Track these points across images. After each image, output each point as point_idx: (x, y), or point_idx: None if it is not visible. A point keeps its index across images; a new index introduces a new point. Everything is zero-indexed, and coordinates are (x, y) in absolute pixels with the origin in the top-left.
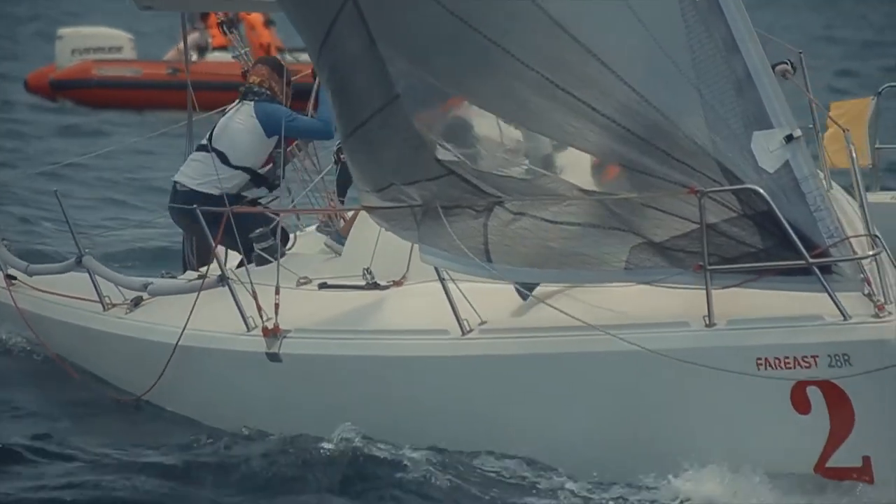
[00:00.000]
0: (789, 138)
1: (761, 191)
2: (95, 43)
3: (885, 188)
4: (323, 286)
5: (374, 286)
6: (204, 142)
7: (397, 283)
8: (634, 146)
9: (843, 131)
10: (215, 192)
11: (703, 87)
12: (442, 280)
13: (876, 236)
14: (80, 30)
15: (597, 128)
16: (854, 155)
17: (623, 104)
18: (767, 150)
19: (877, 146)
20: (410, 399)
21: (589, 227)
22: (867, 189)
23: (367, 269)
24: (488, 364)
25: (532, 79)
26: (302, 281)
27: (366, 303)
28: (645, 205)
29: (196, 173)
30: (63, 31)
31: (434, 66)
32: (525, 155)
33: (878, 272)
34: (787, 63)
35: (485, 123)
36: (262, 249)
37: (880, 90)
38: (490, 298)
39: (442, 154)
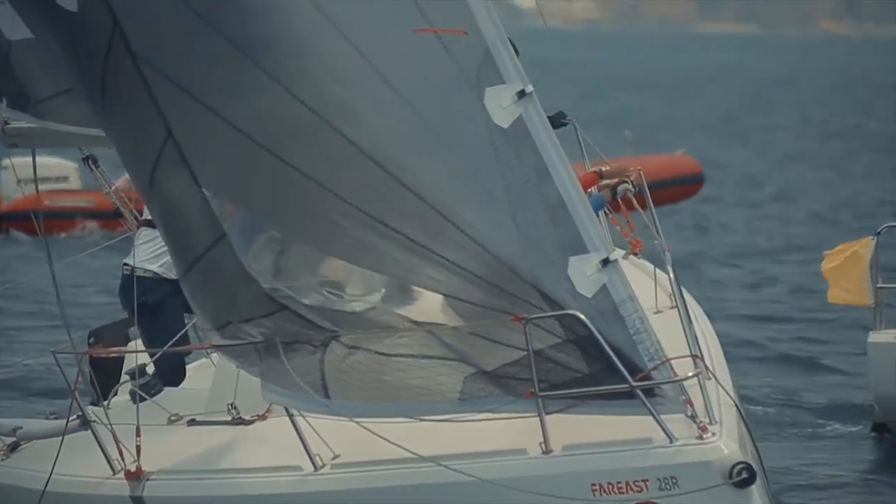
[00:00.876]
0: (605, 262)
1: (581, 316)
2: (42, 173)
3: (892, 324)
4: (192, 422)
5: (240, 421)
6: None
7: (262, 417)
8: (455, 274)
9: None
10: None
11: (518, 215)
12: (291, 416)
13: (697, 356)
14: (27, 159)
15: (415, 258)
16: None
17: (439, 233)
18: (584, 274)
19: (879, 285)
20: None
21: (422, 359)
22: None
23: (230, 404)
24: (337, 500)
25: (347, 211)
26: (173, 418)
27: (230, 439)
28: (473, 334)
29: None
30: (7, 160)
31: (255, 204)
32: (352, 288)
33: (702, 393)
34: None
35: (310, 258)
36: (140, 387)
37: (879, 230)
38: (345, 430)
39: (273, 290)
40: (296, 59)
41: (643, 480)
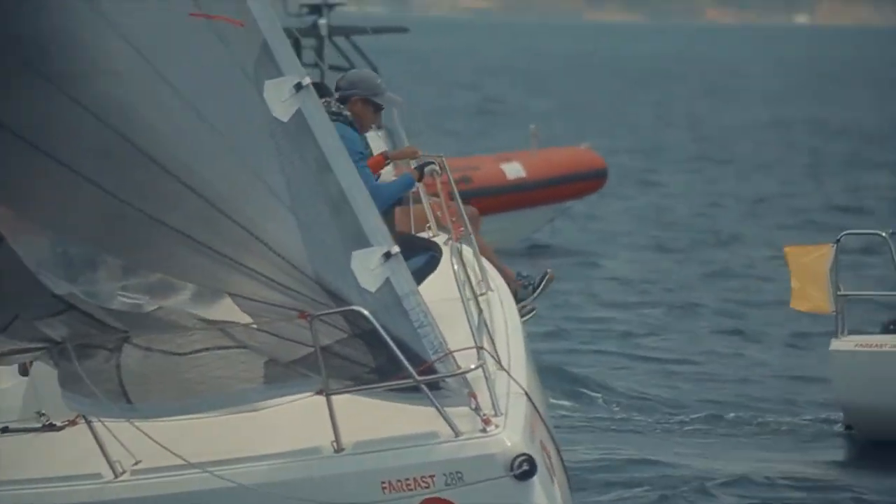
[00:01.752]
0: (387, 255)
1: (364, 311)
2: None
3: (854, 331)
4: (4, 430)
5: (51, 427)
6: None
7: (72, 423)
8: (239, 273)
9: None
10: None
11: (299, 210)
12: (89, 423)
13: (482, 348)
14: None
15: (198, 257)
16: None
17: (222, 232)
18: (368, 268)
19: (839, 293)
20: None
21: (218, 350)
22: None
23: (39, 412)
24: None
25: (126, 210)
26: None
27: (40, 447)
28: (263, 331)
29: None
30: None
31: (35, 207)
32: (138, 288)
33: (488, 385)
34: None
35: (94, 258)
36: None
37: (839, 238)
38: (153, 434)
39: (58, 289)
40: (69, 58)
41: (430, 476)
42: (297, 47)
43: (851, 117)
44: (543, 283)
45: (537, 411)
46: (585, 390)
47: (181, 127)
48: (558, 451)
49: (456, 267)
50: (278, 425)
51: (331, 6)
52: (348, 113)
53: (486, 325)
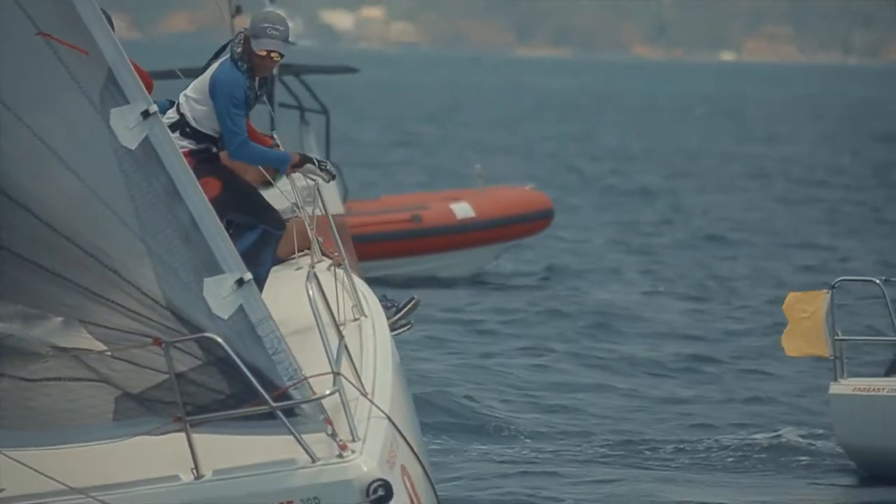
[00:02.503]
0: (240, 282)
1: (217, 338)
2: None
3: (855, 375)
4: None
5: None
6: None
7: None
8: (90, 300)
9: None
10: None
11: (149, 238)
12: None
13: (338, 374)
14: None
15: (49, 285)
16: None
17: (72, 259)
18: (220, 296)
19: (837, 337)
20: None
21: (69, 382)
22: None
23: None
24: None
25: None
26: None
27: None
28: (117, 359)
29: None
30: None
31: None
32: None
33: (345, 410)
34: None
35: None
36: None
37: (833, 284)
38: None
39: None
40: None
41: (288, 502)
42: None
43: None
44: (406, 307)
45: (402, 435)
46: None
47: (26, 155)
48: (427, 476)
49: (311, 293)
50: (140, 451)
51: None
52: (239, 49)
53: (348, 351)
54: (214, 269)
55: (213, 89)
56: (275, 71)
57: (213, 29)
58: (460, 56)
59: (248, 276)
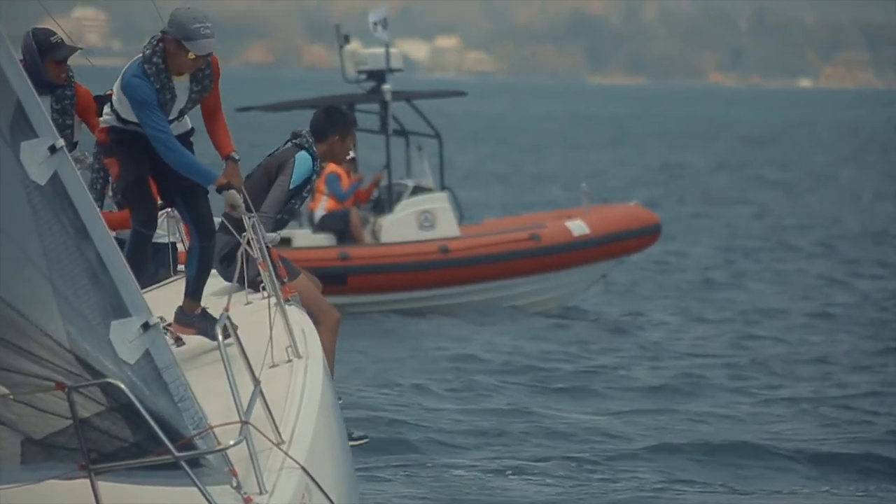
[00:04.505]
0: (146, 326)
1: (120, 384)
2: None
3: None
4: None
5: None
6: None
7: None
8: None
9: None
10: None
11: (56, 277)
12: None
13: (246, 423)
14: None
15: None
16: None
17: None
18: (126, 340)
19: None
20: None
21: None
22: None
23: None
24: None
25: None
26: None
27: None
28: (18, 401)
29: None
30: None
31: None
32: None
33: (252, 461)
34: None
35: None
36: None
37: None
38: None
39: None
40: None
41: None
42: (352, 110)
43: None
44: (357, 441)
45: (318, 486)
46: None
47: None
48: None
49: (220, 337)
50: (46, 499)
51: (392, 71)
52: (148, 51)
53: (264, 398)
54: (121, 311)
55: (123, 90)
56: (388, 98)
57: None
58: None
59: (154, 319)
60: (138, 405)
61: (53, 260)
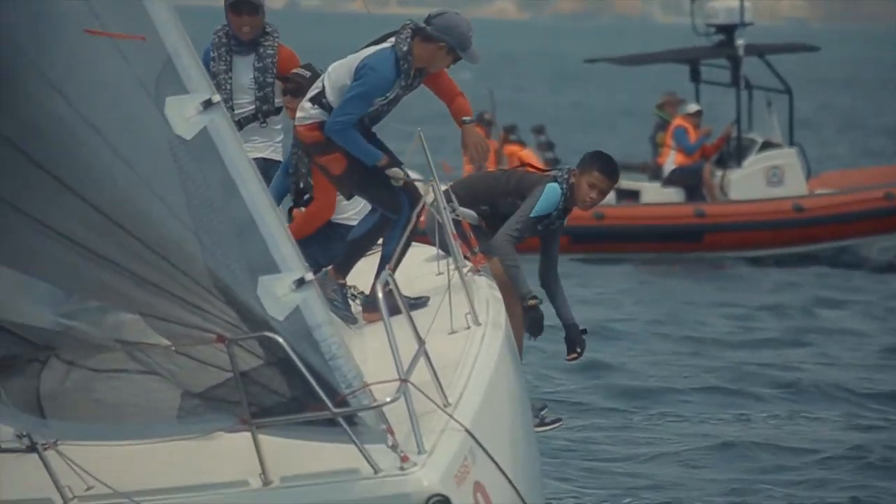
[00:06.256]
0: (300, 282)
1: (279, 339)
2: None
3: None
4: None
5: (33, 448)
6: None
7: (52, 445)
8: (149, 292)
9: None
10: None
11: (202, 233)
12: (35, 446)
13: (405, 381)
14: None
15: (106, 274)
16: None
17: (128, 249)
18: (275, 296)
19: None
20: None
21: (136, 375)
22: None
23: (20, 434)
24: None
25: (34, 229)
26: None
27: (13, 468)
28: (181, 354)
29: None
30: None
31: None
32: (52, 306)
33: (411, 420)
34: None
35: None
36: None
37: None
38: (110, 459)
39: None
40: None
41: None
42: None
43: None
44: (549, 425)
45: (485, 451)
46: None
47: (78, 141)
48: (520, 498)
49: (380, 294)
50: (211, 453)
51: (745, 25)
52: (405, 48)
53: (429, 360)
54: (271, 267)
55: (359, 71)
56: (740, 53)
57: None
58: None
59: (310, 276)
60: (296, 360)
61: (198, 215)
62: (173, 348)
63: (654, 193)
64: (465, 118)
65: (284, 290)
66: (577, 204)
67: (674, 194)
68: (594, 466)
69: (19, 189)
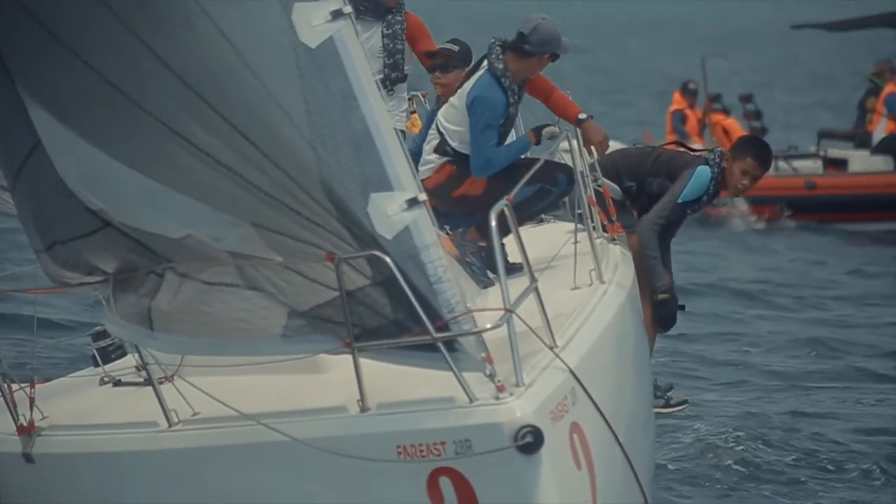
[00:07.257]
0: (412, 202)
1: (387, 258)
2: None
3: None
4: (117, 384)
5: (149, 382)
6: None
7: (167, 379)
8: (265, 204)
9: None
10: None
11: (318, 144)
12: (146, 366)
13: (510, 311)
14: None
15: (224, 182)
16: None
17: (247, 158)
18: (385, 214)
19: None
20: (124, 495)
21: (246, 290)
22: None
23: (138, 366)
24: (177, 458)
25: (156, 129)
26: (106, 379)
27: (132, 398)
28: (290, 269)
29: None
30: None
31: (69, 115)
32: (168, 213)
33: (512, 353)
34: (554, 126)
35: (124, 176)
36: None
37: None
38: (220, 387)
39: (93, 204)
40: None
41: (441, 443)
42: None
43: None
44: (675, 407)
45: (588, 395)
46: None
47: (202, 40)
48: (622, 449)
49: (493, 224)
50: (311, 378)
51: None
52: (500, 66)
53: (541, 301)
54: (384, 184)
55: (472, 106)
56: None
57: None
58: None
59: (423, 196)
60: (402, 281)
61: (316, 125)
62: (284, 265)
63: (862, 162)
64: (580, 116)
65: (395, 208)
66: (728, 189)
67: (882, 163)
68: None
69: (144, 86)
